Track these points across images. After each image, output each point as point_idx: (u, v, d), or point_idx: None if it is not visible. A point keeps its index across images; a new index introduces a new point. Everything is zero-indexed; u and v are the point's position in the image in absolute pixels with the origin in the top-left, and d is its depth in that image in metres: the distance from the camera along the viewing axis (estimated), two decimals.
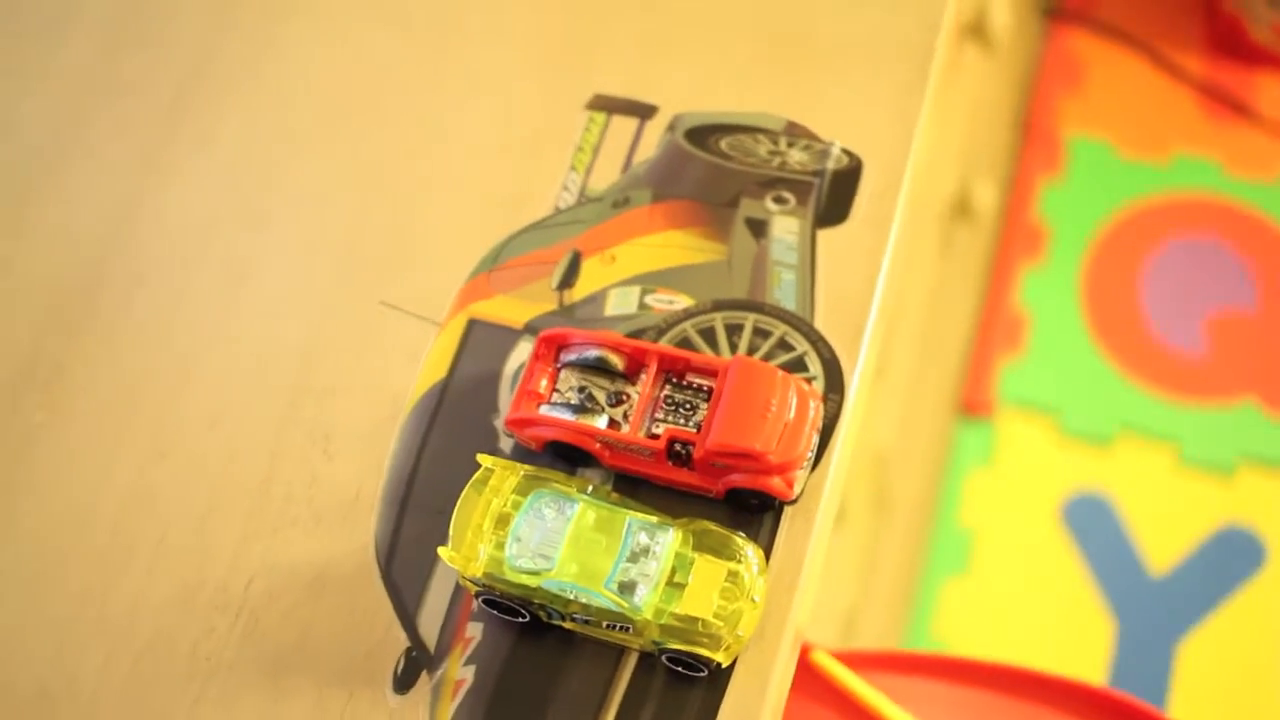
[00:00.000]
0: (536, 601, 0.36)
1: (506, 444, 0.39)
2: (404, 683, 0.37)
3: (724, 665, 0.36)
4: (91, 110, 0.46)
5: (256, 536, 0.39)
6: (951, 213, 0.69)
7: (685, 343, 0.40)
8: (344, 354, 0.41)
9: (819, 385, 0.39)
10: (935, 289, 0.69)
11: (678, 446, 0.37)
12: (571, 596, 0.35)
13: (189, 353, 0.42)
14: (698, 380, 0.38)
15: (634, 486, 0.38)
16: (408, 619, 0.38)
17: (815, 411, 0.37)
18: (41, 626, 0.39)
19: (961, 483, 0.83)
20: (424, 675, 0.37)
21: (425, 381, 0.41)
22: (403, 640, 0.37)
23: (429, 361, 0.41)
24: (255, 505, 0.39)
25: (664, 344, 0.39)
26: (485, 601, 0.36)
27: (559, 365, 0.39)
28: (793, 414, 0.37)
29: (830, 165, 0.42)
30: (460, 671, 0.37)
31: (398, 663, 0.37)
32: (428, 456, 0.39)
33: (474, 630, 0.37)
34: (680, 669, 0.36)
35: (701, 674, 0.36)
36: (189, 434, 0.41)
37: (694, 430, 0.37)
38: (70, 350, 0.42)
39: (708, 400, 0.37)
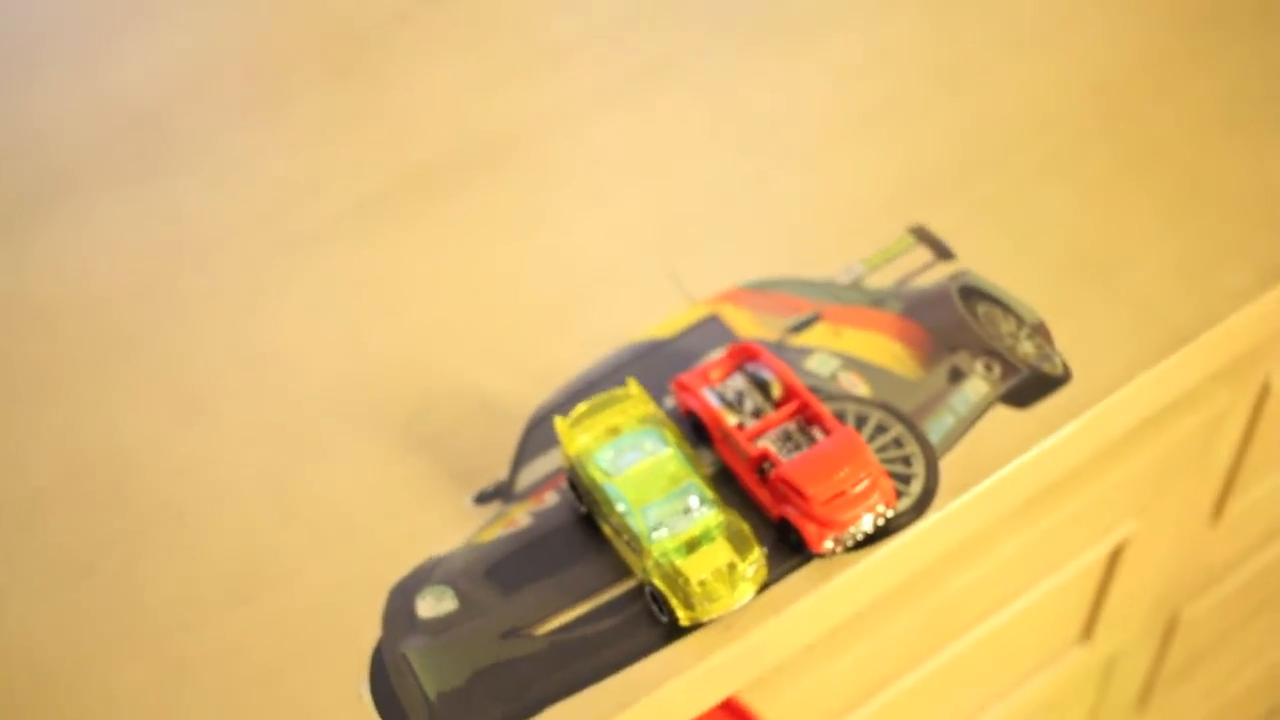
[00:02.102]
0: (595, 497, 0.44)
1: (667, 402, 0.48)
2: (483, 499, 0.47)
3: (681, 624, 0.42)
4: None
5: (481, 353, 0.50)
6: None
7: (840, 415, 0.47)
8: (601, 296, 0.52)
9: (908, 501, 0.45)
10: None
11: (765, 464, 0.44)
12: (617, 506, 0.43)
13: None
14: (817, 431, 0.45)
15: (726, 480, 0.46)
16: (519, 462, 0.47)
17: (877, 499, 0.43)
18: None
19: None
20: (498, 503, 0.46)
21: (649, 333, 0.50)
22: (504, 474, 0.47)
23: (663, 323, 0.50)
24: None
25: (814, 397, 0.46)
26: (569, 480, 0.45)
27: (739, 369, 0.47)
28: (858, 490, 0.43)
29: (1044, 367, 0.48)
30: (521, 517, 0.46)
31: (491, 486, 0.47)
32: (610, 373, 0.49)
33: (550, 498, 0.46)
34: (654, 606, 0.43)
35: (663, 620, 0.43)
36: None
37: (783, 458, 0.44)
38: None
39: (810, 445, 0.44)
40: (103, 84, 0.61)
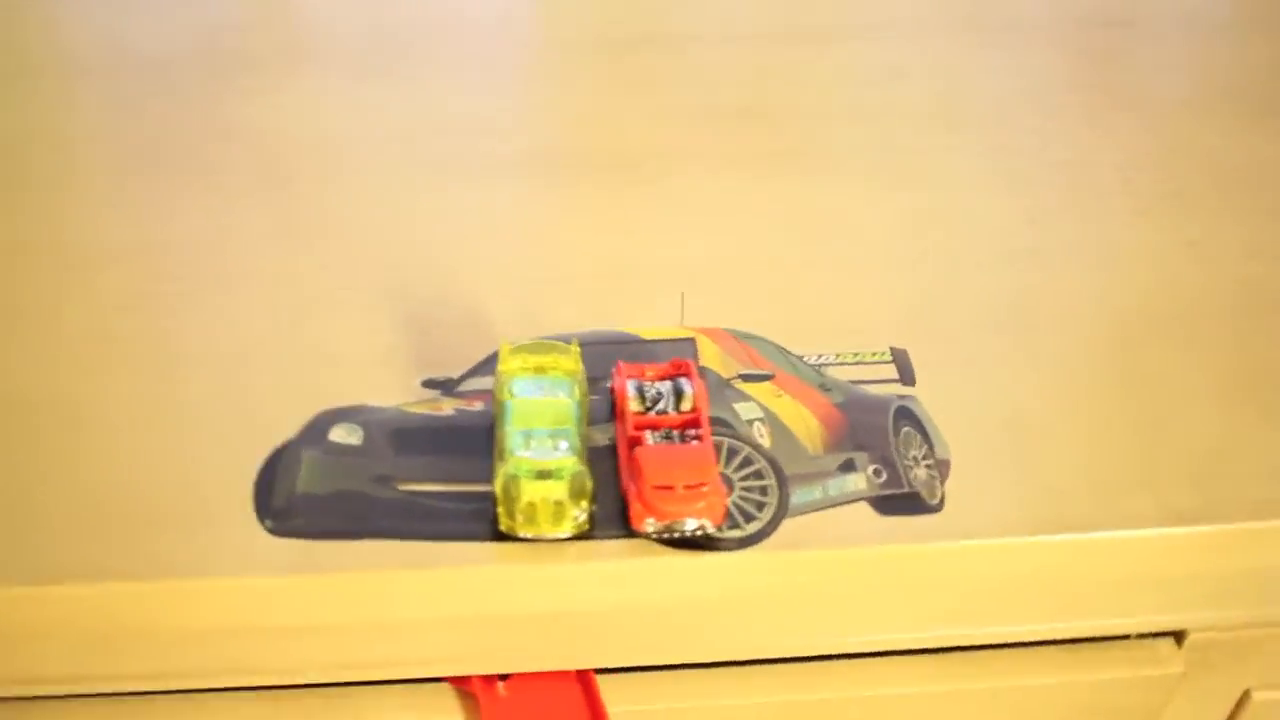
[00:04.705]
0: (496, 410, 0.52)
1: (607, 384, 0.56)
2: (428, 384, 0.55)
3: (500, 529, 0.50)
4: None
5: (507, 285, 0.59)
6: None
7: (732, 450, 0.53)
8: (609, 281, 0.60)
9: (738, 533, 0.51)
10: None
11: (634, 446, 0.51)
12: (504, 422, 0.51)
13: None
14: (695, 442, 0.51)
15: (611, 455, 0.53)
16: (471, 373, 0.56)
17: (703, 509, 0.49)
18: None
19: None
20: (438, 392, 0.55)
21: (636, 329, 0.58)
22: (455, 375, 0.56)
23: (651, 329, 0.58)
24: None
25: (707, 418, 0.52)
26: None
27: (671, 378, 0.54)
28: (687, 492, 0.49)
29: (923, 491, 0.53)
30: (446, 408, 0.55)
31: (440, 378, 0.56)
32: (584, 340, 0.57)
33: (477, 406, 0.55)
34: (494, 508, 0.50)
35: (494, 523, 0.50)
36: None
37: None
38: None
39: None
40: None
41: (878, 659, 0.56)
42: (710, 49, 0.77)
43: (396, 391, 0.55)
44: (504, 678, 0.55)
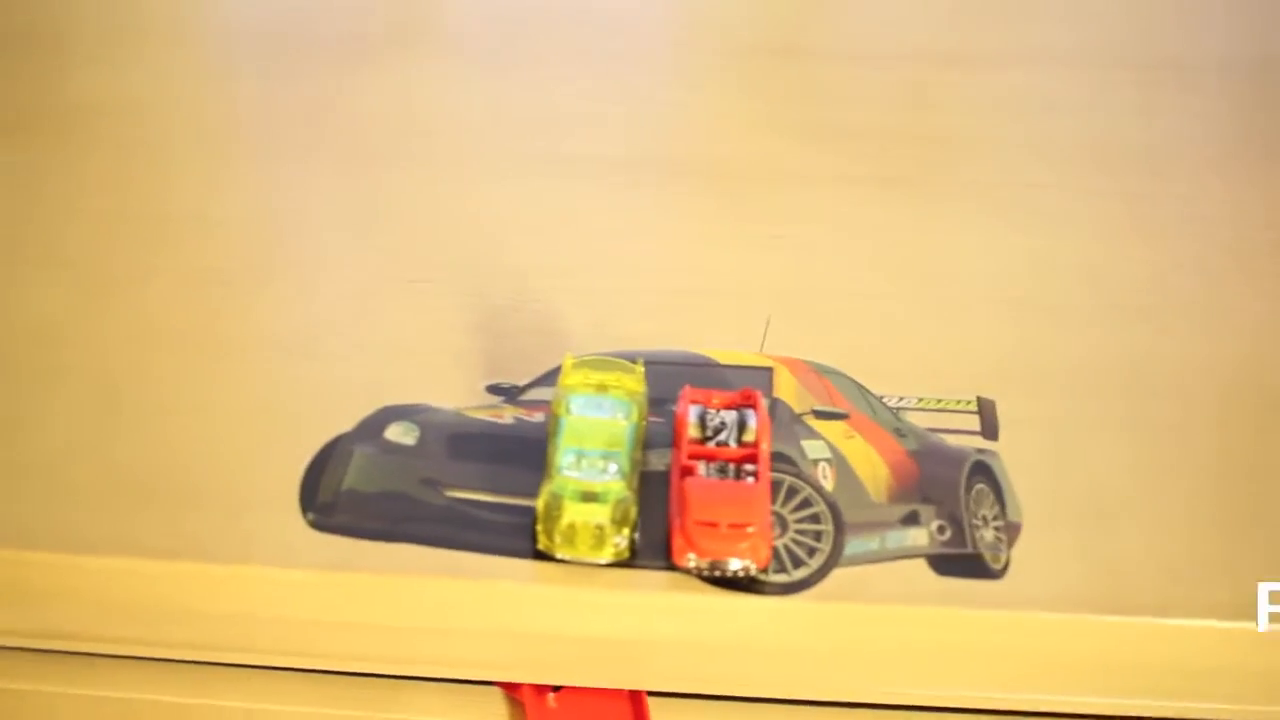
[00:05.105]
0: (551, 425, 0.51)
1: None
2: (492, 390, 0.54)
3: (537, 547, 0.48)
4: None
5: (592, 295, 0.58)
6: None
7: (792, 489, 0.51)
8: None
9: (784, 578, 0.49)
10: None
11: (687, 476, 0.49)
12: (557, 437, 0.50)
13: None
14: (750, 479, 0.49)
15: (665, 483, 0.51)
16: (537, 383, 0.55)
17: (746, 550, 0.47)
18: None
19: None
20: (501, 399, 0.54)
21: (712, 352, 0.56)
22: (520, 383, 0.55)
23: (729, 352, 0.56)
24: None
25: (767, 455, 0.50)
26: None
27: (738, 408, 0.52)
28: (731, 530, 0.47)
29: (987, 555, 0.50)
30: (507, 416, 0.53)
31: (505, 384, 0.55)
32: (656, 359, 0.56)
33: (538, 418, 0.53)
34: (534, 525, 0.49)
35: (534, 543, 0.49)
36: None
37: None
38: None
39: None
40: None
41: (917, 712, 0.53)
42: (847, 65, 0.74)
43: (460, 393, 0.54)
44: (556, 689, 0.53)
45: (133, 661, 0.52)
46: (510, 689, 0.54)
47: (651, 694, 0.53)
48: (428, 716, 0.53)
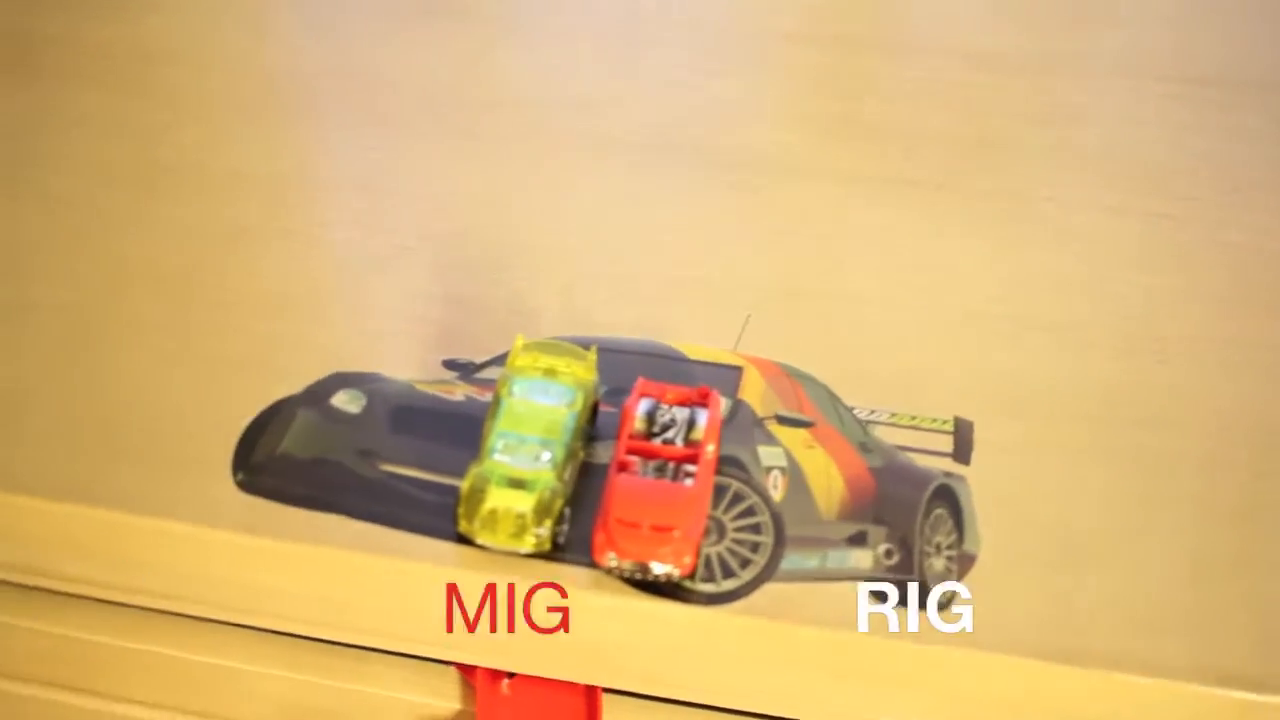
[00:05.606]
0: (492, 406, 0.49)
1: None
2: (448, 365, 0.53)
3: (457, 529, 0.47)
4: None
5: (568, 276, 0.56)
6: None
7: (737, 495, 0.49)
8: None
9: (711, 587, 0.46)
10: None
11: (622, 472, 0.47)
12: (494, 420, 0.48)
13: None
14: (688, 481, 0.47)
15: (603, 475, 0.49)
16: (493, 362, 0.53)
17: (668, 554, 0.45)
18: None
19: None
20: (455, 375, 0.53)
21: (682, 345, 0.54)
22: (477, 360, 0.53)
23: (699, 347, 0.54)
24: None
25: (712, 458, 0.48)
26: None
27: (692, 405, 0.50)
28: (654, 533, 0.45)
29: (932, 584, 0.47)
30: (457, 393, 0.52)
31: (461, 360, 0.53)
32: (619, 348, 0.54)
33: (488, 397, 0.52)
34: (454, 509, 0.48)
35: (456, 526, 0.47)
36: None
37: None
38: None
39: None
40: None
41: None
42: (880, 58, 0.71)
43: (417, 366, 0.53)
44: (511, 676, 0.52)
45: (60, 597, 0.52)
46: (465, 670, 0.52)
47: (607, 691, 0.51)
48: (374, 686, 0.52)
